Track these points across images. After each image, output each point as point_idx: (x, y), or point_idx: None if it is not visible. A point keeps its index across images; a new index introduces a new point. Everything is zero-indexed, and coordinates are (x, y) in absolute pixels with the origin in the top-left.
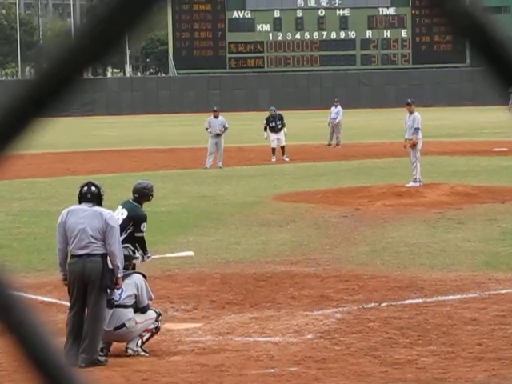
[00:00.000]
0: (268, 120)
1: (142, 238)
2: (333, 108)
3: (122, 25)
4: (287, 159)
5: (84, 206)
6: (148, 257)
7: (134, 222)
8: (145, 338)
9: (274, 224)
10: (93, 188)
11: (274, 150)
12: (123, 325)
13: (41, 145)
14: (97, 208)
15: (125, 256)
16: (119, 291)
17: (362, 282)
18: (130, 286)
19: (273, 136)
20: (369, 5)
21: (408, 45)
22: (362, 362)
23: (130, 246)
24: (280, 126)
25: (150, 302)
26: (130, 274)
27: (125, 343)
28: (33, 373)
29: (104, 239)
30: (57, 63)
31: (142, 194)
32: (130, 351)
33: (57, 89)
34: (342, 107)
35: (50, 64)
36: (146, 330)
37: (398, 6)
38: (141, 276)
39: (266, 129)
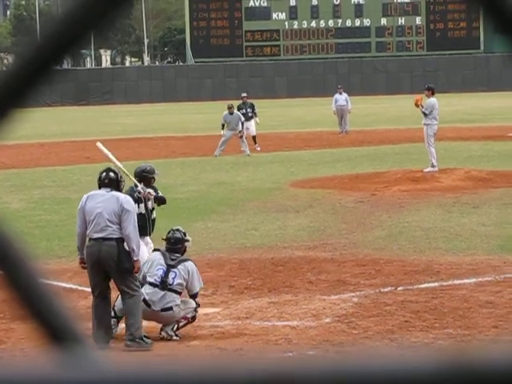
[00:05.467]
0: (239, 107)
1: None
2: (337, 95)
3: (100, 10)
4: (259, 148)
5: (102, 191)
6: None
7: None
8: (181, 325)
9: (291, 210)
10: (111, 174)
11: (254, 137)
12: (170, 308)
13: (61, 133)
14: (114, 193)
15: (177, 239)
16: (172, 275)
17: (379, 267)
18: (183, 273)
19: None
20: None
21: (422, 32)
22: (379, 345)
23: (180, 228)
24: (250, 115)
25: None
26: (184, 261)
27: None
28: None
29: (120, 223)
30: (34, 51)
31: (142, 177)
32: (163, 333)
33: (33, 78)
34: (358, 94)
35: (26, 52)
36: (184, 318)
37: None
38: (193, 264)
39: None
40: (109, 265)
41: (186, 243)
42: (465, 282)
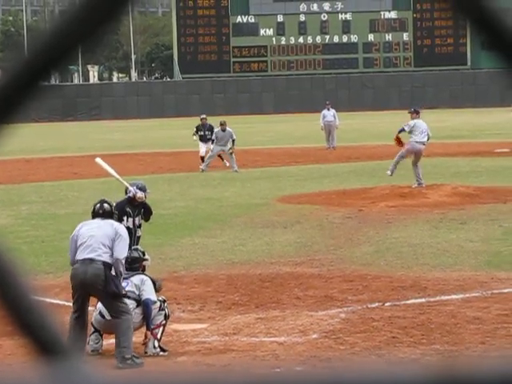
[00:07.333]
0: (198, 128)
1: None
2: (325, 111)
3: (88, 26)
4: (201, 167)
5: (96, 220)
6: None
7: None
8: (159, 336)
9: (278, 225)
10: (105, 205)
11: (202, 158)
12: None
13: (48, 149)
14: (108, 220)
15: (134, 258)
16: (125, 284)
17: (366, 282)
18: (135, 281)
19: (201, 144)
20: (371, 9)
21: (410, 48)
22: (366, 361)
23: (139, 247)
24: (209, 137)
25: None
26: (140, 273)
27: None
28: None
29: (112, 247)
30: (21, 67)
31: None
32: (149, 353)
33: (21, 94)
34: (345, 110)
35: (14, 68)
36: (157, 326)
37: (399, 9)
38: (149, 278)
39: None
40: (95, 287)
41: (145, 262)
42: (452, 298)
